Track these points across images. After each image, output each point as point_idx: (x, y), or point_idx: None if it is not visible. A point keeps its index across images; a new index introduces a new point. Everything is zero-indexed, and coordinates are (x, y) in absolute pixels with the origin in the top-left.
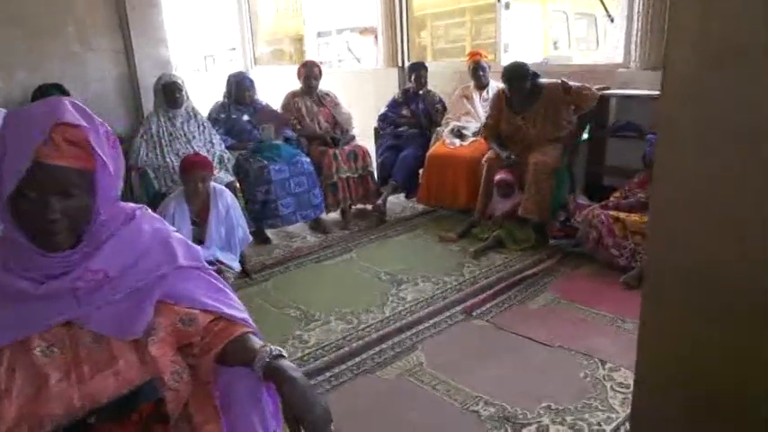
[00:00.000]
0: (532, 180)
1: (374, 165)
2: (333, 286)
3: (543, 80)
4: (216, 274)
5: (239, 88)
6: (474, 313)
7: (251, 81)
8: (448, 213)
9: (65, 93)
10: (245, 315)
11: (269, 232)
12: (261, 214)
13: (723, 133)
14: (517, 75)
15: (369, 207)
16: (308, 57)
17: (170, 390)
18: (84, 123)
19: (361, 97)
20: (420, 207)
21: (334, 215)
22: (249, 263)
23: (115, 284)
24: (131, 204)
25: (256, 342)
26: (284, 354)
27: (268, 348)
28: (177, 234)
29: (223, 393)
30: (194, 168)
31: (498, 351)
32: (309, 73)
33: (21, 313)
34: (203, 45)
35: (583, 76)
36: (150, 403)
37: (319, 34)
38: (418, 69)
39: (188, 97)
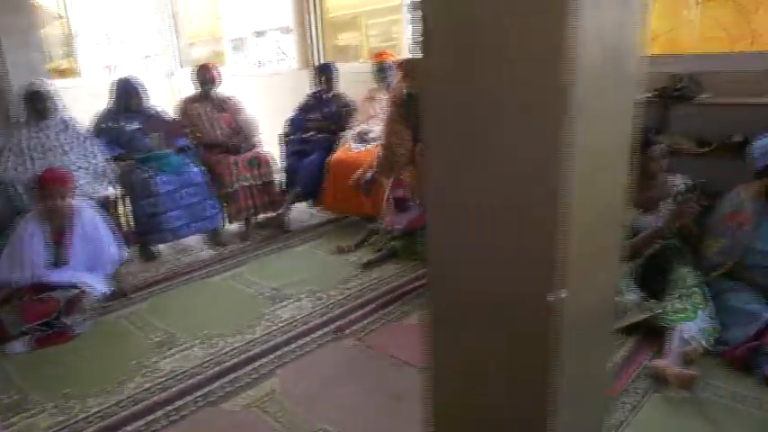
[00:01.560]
0: None
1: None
2: (209, 305)
3: None
4: None
5: (126, 95)
6: (348, 331)
7: (137, 88)
8: (354, 221)
9: None
10: None
11: (161, 247)
12: (147, 228)
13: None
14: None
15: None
16: (229, 58)
17: None
18: None
19: (279, 100)
20: (328, 215)
21: (237, 226)
22: (127, 281)
23: None
24: None
25: None
26: None
27: None
28: None
29: None
30: (49, 185)
31: (361, 374)
32: (201, 78)
33: None
34: (143, 46)
35: None
36: None
37: (258, 34)
38: (326, 71)
39: (58, 107)
